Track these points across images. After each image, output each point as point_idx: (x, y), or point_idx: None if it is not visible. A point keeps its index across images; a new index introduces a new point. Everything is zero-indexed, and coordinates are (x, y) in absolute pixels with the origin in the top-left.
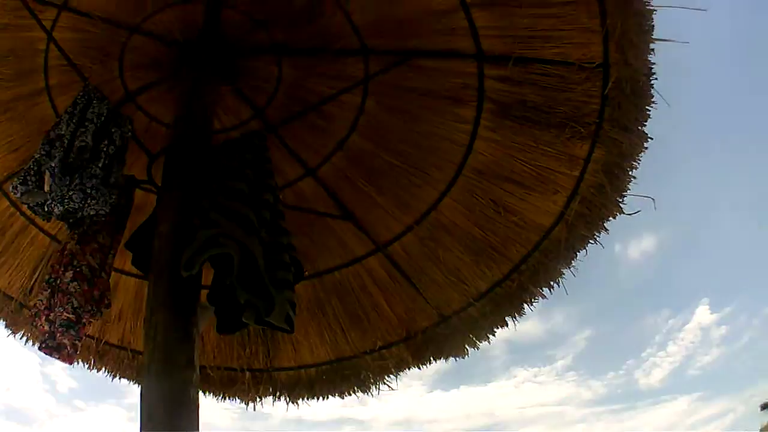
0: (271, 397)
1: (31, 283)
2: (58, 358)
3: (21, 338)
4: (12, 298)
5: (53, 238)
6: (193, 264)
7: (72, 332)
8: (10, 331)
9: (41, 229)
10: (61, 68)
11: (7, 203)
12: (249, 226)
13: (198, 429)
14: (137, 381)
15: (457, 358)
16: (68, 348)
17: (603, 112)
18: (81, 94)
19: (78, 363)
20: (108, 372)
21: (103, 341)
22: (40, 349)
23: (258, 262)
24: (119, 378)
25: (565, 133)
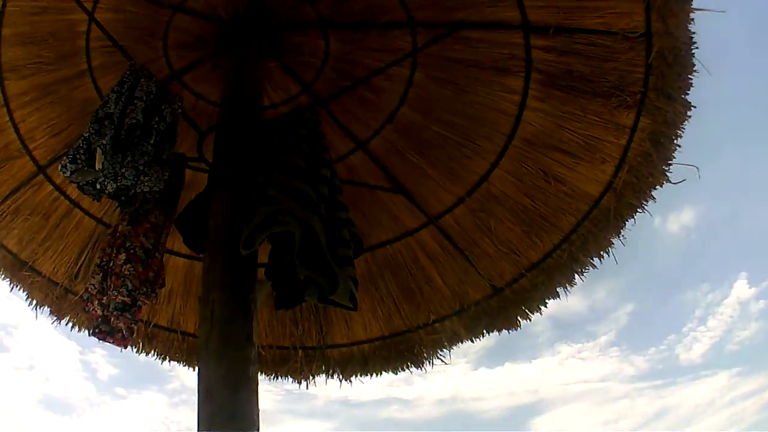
0: (324, 375)
1: (77, 267)
2: (112, 342)
3: (67, 324)
4: (57, 284)
5: (99, 221)
6: (253, 242)
7: (127, 315)
8: (55, 318)
9: (87, 212)
10: (102, 49)
11: (51, 188)
12: (308, 202)
13: (258, 406)
14: (187, 363)
15: (510, 331)
16: (123, 331)
17: (647, 81)
18: (128, 72)
19: (126, 347)
20: (157, 355)
21: (152, 324)
22: (92, 334)
23: (319, 239)
24: (169, 361)
25: (612, 102)
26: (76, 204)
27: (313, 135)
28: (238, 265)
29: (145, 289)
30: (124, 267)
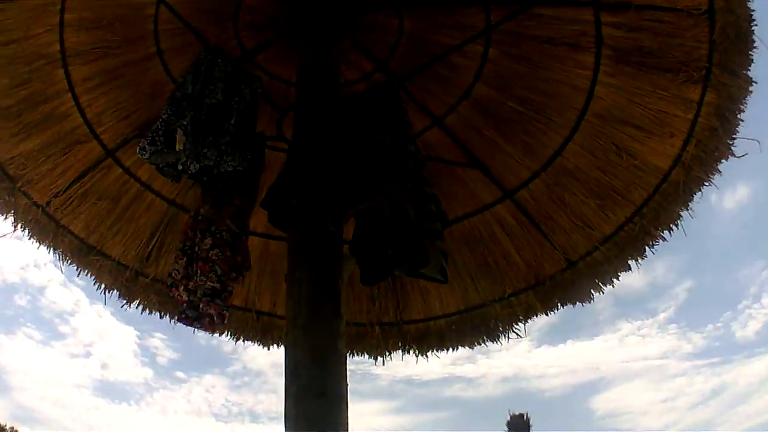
0: (400, 351)
1: (149, 249)
2: (200, 328)
3: (137, 307)
4: (127, 267)
5: (171, 202)
6: (342, 218)
7: (218, 301)
8: (125, 301)
9: (158, 194)
10: (172, 32)
11: (120, 171)
12: (395, 178)
13: (346, 380)
14: (261, 342)
15: (583, 303)
16: (214, 317)
17: (711, 57)
18: (204, 53)
19: (215, 333)
20: (231, 335)
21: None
22: (179, 320)
23: (408, 214)
24: (243, 340)
25: (679, 77)
26: (146, 186)
27: (396, 111)
28: (324, 242)
29: (234, 274)
30: (212, 252)
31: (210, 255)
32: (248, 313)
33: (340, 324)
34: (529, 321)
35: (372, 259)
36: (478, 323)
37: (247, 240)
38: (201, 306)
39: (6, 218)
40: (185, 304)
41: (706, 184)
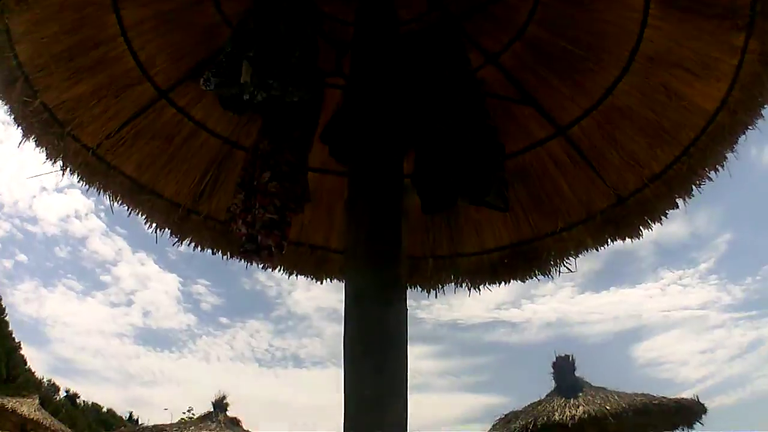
0: (453, 284)
1: (202, 187)
2: (258, 261)
3: (189, 245)
4: (179, 206)
5: (226, 140)
6: (402, 150)
7: (276, 232)
8: (176, 239)
9: (212, 132)
10: None
11: (173, 111)
12: (456, 110)
13: (406, 308)
14: (315, 276)
15: (633, 239)
16: (272, 248)
17: (755, 5)
18: None
19: (273, 265)
20: (284, 270)
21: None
22: (238, 253)
23: (469, 145)
24: (296, 275)
25: (725, 24)
26: (200, 125)
27: (455, 47)
28: (384, 173)
29: (293, 205)
30: (270, 185)
31: (269, 187)
32: (302, 248)
33: (401, 251)
34: (579, 255)
35: (433, 189)
36: (531, 257)
37: (307, 174)
38: (259, 238)
39: (55, 163)
40: (244, 238)
41: (750, 128)
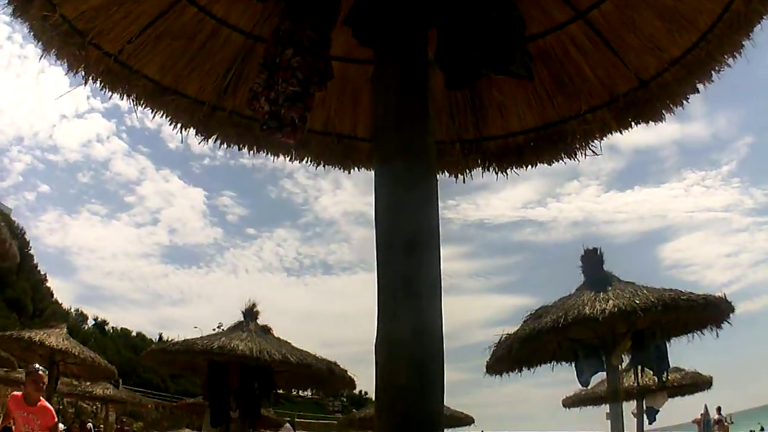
0: (480, 168)
1: (226, 82)
2: (281, 137)
3: (214, 142)
4: (203, 103)
5: (249, 35)
6: (425, 24)
7: (299, 104)
8: (202, 137)
9: (234, 28)
10: None
11: (195, 10)
12: None
13: (435, 171)
14: (342, 166)
15: (656, 123)
16: (296, 121)
17: None
18: None
19: (296, 140)
20: (310, 161)
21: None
22: (261, 130)
23: (492, 17)
24: (324, 166)
25: None
26: (222, 22)
27: None
28: (409, 48)
29: (316, 79)
30: (293, 60)
31: (291, 62)
32: (328, 138)
33: (429, 121)
34: (604, 138)
35: (458, 63)
36: (556, 139)
37: (329, 53)
38: (282, 111)
39: (77, 73)
40: (267, 115)
41: (765, 17)
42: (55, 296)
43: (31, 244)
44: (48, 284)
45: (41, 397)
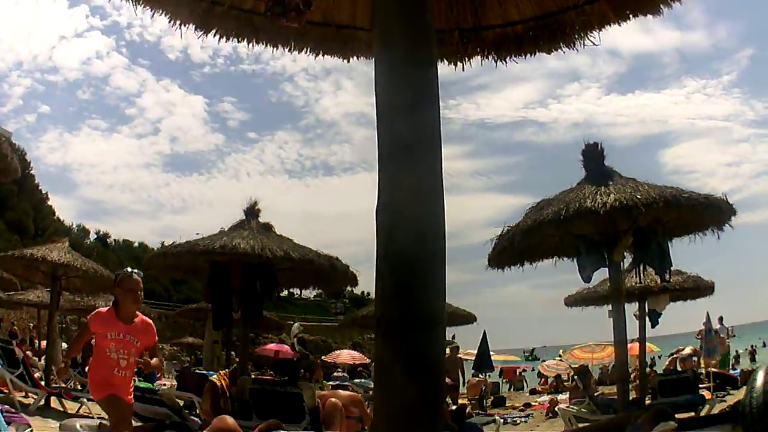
0: (479, 56)
1: None
2: (286, 22)
3: (215, 36)
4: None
5: None
6: None
7: None
8: (201, 32)
9: None
10: None
11: None
12: None
13: (437, 68)
14: (341, 55)
15: (654, 16)
16: (300, 6)
17: None
18: None
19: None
20: (310, 52)
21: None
22: (265, 15)
23: None
24: (323, 56)
25: None
26: None
27: None
28: None
29: None
30: None
31: None
32: (328, 28)
33: (426, 12)
34: (602, 30)
35: None
36: (555, 29)
37: None
38: None
39: None
40: (271, 2)
41: None
42: (56, 214)
43: (32, 164)
44: (50, 203)
45: (137, 312)
